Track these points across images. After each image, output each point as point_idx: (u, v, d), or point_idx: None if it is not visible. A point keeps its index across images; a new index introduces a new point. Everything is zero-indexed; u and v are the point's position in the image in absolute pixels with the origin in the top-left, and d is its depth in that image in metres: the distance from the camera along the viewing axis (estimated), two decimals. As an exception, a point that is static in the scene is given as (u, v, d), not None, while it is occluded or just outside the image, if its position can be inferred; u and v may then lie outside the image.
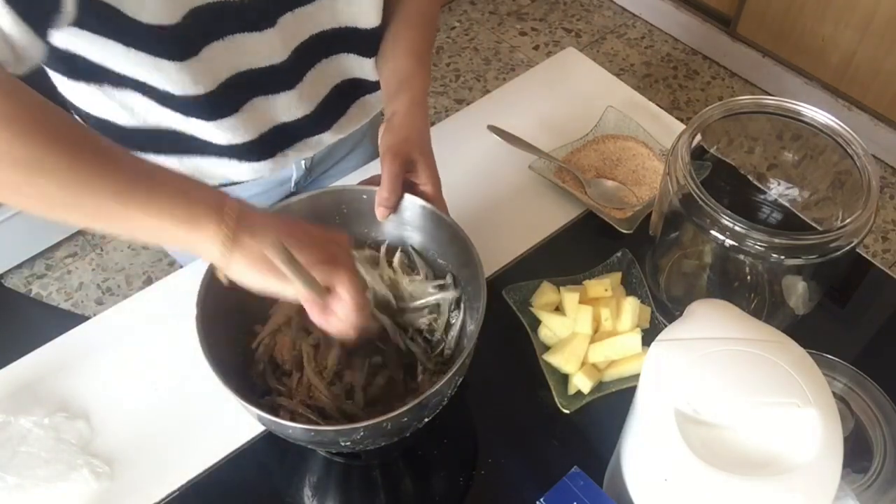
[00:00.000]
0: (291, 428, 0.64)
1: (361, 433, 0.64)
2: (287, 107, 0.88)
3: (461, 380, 0.71)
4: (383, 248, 0.83)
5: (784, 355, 0.59)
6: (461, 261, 0.77)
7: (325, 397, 0.73)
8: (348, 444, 0.67)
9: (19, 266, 2.00)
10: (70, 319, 1.22)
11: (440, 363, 0.78)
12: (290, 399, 0.73)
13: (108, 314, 0.90)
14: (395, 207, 0.76)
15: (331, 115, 0.96)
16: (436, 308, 0.80)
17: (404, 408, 0.63)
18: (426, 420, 0.70)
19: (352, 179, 0.96)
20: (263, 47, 0.79)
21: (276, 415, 0.68)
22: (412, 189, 0.78)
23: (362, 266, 0.81)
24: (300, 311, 0.75)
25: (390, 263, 0.82)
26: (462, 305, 0.80)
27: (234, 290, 0.63)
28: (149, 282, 1.98)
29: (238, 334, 0.77)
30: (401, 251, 0.83)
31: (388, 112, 0.79)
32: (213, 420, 0.80)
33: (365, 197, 0.78)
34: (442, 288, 0.80)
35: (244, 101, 0.84)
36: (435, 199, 0.77)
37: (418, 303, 0.80)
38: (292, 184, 1.05)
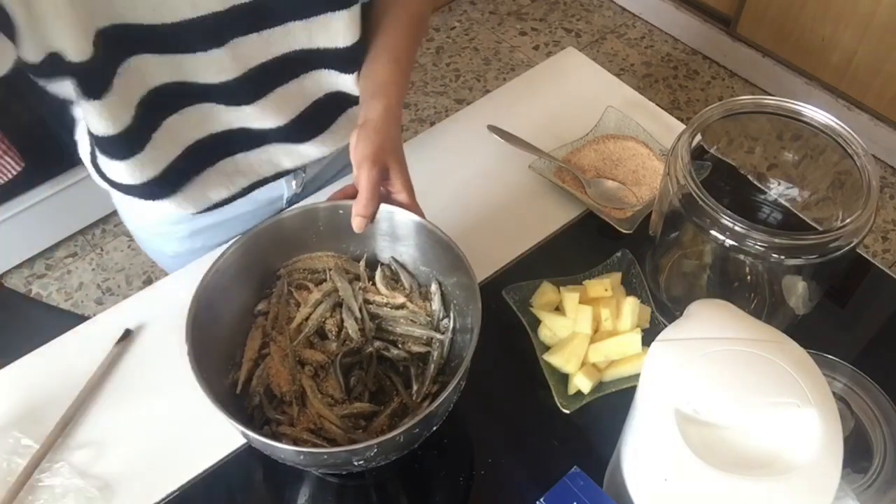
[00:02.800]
0: (304, 454, 0.63)
1: (375, 449, 0.63)
2: (246, 120, 0.87)
3: (465, 383, 0.71)
4: (362, 263, 0.82)
5: (784, 355, 0.59)
6: (449, 266, 0.77)
7: (337, 427, 0.72)
8: (362, 462, 0.66)
9: (19, 266, 2.00)
10: (70, 319, 1.22)
11: (436, 371, 0.77)
12: (291, 427, 0.73)
13: (108, 314, 0.90)
14: (373, 217, 0.74)
15: (308, 128, 0.94)
16: (425, 319, 0.80)
17: (416, 419, 0.63)
18: (434, 428, 0.70)
19: (326, 196, 0.95)
20: (209, 66, 0.79)
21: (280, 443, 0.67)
22: (387, 197, 0.77)
23: (341, 283, 0.80)
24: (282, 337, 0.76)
25: (371, 279, 0.82)
26: (452, 312, 0.79)
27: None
28: (149, 282, 1.98)
29: (227, 366, 0.76)
30: (381, 266, 0.82)
31: (361, 117, 0.78)
32: (212, 421, 0.80)
33: (341, 212, 0.76)
34: (421, 324, 0.80)
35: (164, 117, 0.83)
36: (410, 205, 0.76)
37: (404, 330, 0.80)
38: (284, 201, 1.04)
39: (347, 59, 0.86)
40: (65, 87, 0.72)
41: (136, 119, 0.78)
